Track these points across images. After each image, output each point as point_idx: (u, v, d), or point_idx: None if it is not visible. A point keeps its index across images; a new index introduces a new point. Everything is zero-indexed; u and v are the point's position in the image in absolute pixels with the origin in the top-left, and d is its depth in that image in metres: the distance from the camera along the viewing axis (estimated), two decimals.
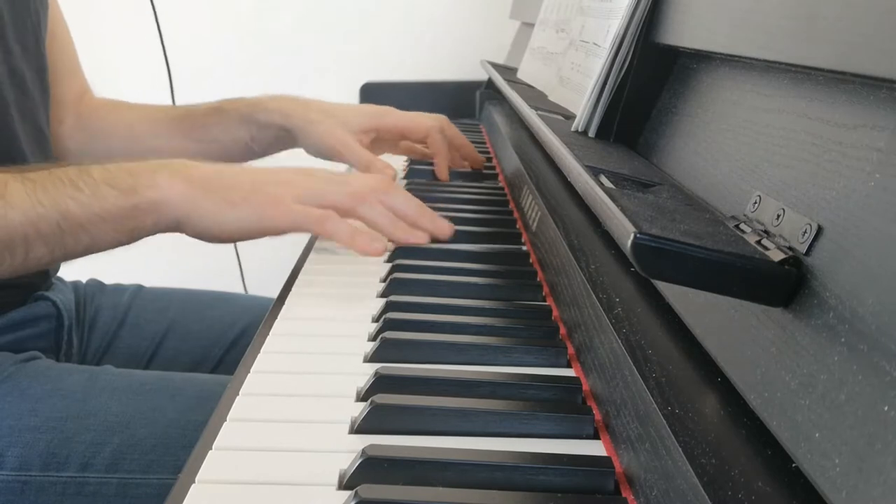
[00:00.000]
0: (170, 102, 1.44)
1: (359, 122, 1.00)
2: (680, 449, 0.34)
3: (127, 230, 0.72)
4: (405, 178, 1.08)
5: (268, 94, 1.04)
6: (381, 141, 1.04)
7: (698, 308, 0.43)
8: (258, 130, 1.02)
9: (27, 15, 0.91)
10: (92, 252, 0.73)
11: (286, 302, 0.67)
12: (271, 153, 1.05)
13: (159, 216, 0.72)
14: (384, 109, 1.03)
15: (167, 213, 0.72)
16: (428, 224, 0.79)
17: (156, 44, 1.43)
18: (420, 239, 0.77)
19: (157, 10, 1.39)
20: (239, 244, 1.53)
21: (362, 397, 0.51)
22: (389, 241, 0.77)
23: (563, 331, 0.60)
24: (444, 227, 0.80)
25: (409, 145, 1.09)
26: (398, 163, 1.13)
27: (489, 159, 1.15)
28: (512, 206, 0.92)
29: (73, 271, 1.04)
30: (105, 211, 0.70)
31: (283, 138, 1.02)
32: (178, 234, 0.75)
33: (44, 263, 0.72)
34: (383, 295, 0.67)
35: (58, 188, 0.70)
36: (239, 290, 1.63)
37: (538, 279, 0.70)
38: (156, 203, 0.71)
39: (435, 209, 0.80)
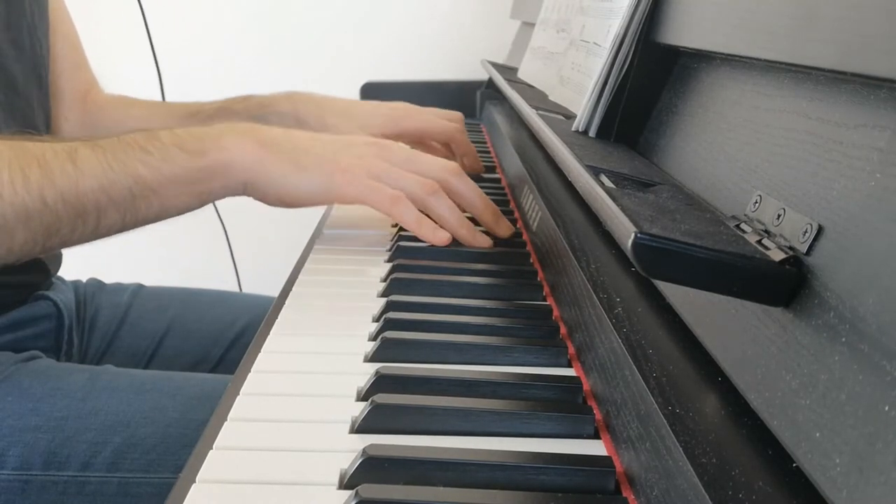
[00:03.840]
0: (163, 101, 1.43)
1: (378, 124, 0.98)
2: (680, 448, 0.34)
3: (196, 193, 0.72)
4: None
5: (281, 92, 1.01)
6: (398, 139, 1.03)
7: (698, 308, 0.43)
8: None
9: (21, 14, 0.90)
10: (163, 217, 0.73)
11: (287, 301, 0.67)
12: None
13: (227, 178, 0.72)
14: (403, 111, 1.01)
15: (235, 175, 0.72)
16: (490, 219, 0.79)
17: (146, 43, 1.42)
18: (482, 243, 0.77)
19: (144, 9, 1.37)
20: (232, 241, 1.53)
21: (363, 397, 0.51)
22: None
23: (563, 330, 0.60)
24: (504, 227, 0.80)
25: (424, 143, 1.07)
26: None
27: (490, 161, 1.15)
28: (512, 205, 0.92)
29: (73, 271, 1.04)
30: (175, 174, 0.70)
31: None
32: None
33: (115, 230, 0.72)
34: (384, 294, 0.67)
35: (128, 153, 0.70)
36: (234, 288, 1.63)
37: (539, 279, 0.70)
38: (225, 165, 0.71)
39: None
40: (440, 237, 0.75)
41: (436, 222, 0.76)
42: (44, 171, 0.67)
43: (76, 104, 1.05)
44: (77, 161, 0.68)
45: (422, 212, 0.76)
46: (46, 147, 0.68)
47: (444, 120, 1.02)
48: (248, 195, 0.74)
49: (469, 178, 0.79)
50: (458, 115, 1.05)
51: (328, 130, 0.96)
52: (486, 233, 0.79)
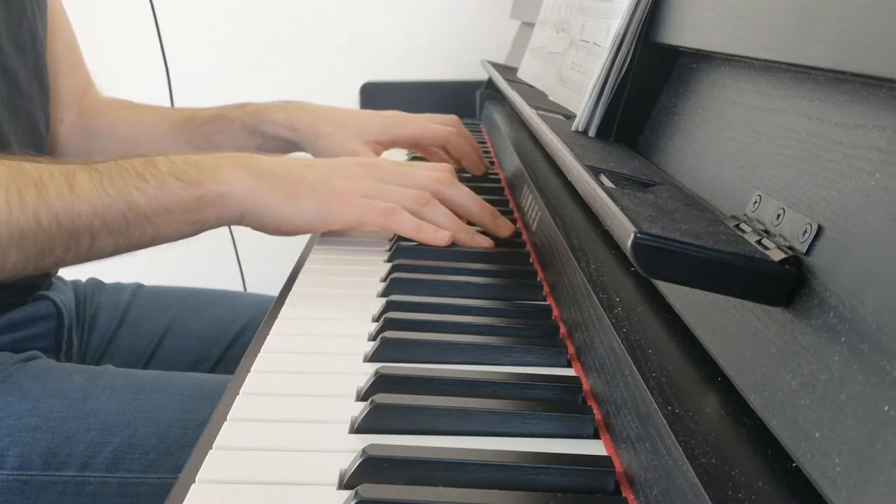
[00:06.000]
0: (168, 103, 1.43)
1: (372, 132, 0.98)
2: (680, 448, 0.34)
3: (191, 222, 0.72)
4: None
5: (275, 101, 1.02)
6: (393, 147, 1.03)
7: (698, 308, 0.43)
8: (264, 141, 1.00)
9: (22, 13, 0.90)
10: (156, 244, 0.74)
11: (286, 301, 0.67)
12: (279, 154, 1.03)
13: (223, 209, 0.72)
14: (398, 119, 1.01)
15: (231, 206, 0.72)
16: (489, 221, 0.79)
17: (154, 44, 1.43)
18: (483, 244, 0.77)
19: (156, 10, 1.39)
20: (238, 241, 1.54)
21: (362, 397, 0.51)
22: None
23: (563, 330, 0.60)
24: (503, 227, 0.80)
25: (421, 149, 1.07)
26: (400, 156, 1.13)
27: (490, 161, 1.15)
28: (512, 205, 0.92)
29: (73, 271, 1.04)
30: (171, 203, 0.71)
31: (291, 147, 1.01)
32: None
33: (108, 254, 0.72)
34: (383, 294, 0.68)
35: (124, 179, 0.70)
36: (238, 288, 1.63)
37: (538, 279, 0.70)
38: (220, 196, 0.72)
39: None
40: (441, 237, 0.75)
41: None
42: (40, 192, 0.67)
43: (73, 106, 1.05)
44: (73, 185, 0.69)
45: None
46: (44, 169, 0.69)
47: (438, 125, 1.02)
48: (245, 225, 0.75)
49: (461, 185, 0.80)
50: (453, 118, 1.04)
51: (321, 139, 0.97)
52: (487, 234, 0.79)
